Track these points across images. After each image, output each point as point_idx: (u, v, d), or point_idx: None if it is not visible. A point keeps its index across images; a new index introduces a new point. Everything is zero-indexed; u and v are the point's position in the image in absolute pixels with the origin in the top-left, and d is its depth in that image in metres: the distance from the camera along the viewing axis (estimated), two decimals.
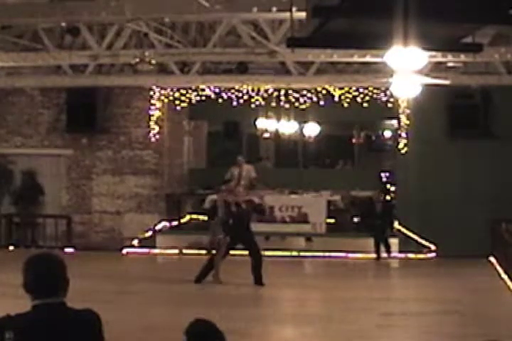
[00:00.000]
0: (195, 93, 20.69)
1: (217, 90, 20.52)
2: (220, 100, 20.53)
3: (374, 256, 19.06)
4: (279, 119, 23.68)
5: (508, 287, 15.23)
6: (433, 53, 13.94)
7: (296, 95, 20.58)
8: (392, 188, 21.01)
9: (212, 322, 4.85)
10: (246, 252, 15.67)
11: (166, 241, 20.12)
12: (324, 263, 18.93)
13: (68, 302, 4.22)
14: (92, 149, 21.10)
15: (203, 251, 16.48)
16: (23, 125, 21.29)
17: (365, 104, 19.97)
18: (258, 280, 15.28)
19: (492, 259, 18.39)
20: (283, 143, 25.30)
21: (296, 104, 20.78)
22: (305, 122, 23.85)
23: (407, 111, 19.88)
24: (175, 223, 20.94)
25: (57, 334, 4.12)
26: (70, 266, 4.28)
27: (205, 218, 19.60)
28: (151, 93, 20.73)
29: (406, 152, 19.95)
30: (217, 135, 24.38)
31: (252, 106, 20.77)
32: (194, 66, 18.85)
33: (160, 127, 20.88)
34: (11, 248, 20.39)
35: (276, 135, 24.69)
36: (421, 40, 6.20)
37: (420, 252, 19.46)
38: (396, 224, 19.88)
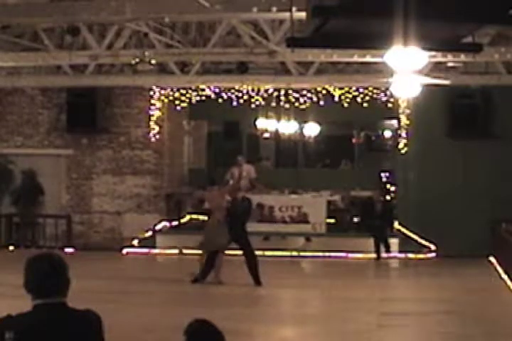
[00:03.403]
0: (195, 93, 20.69)
1: (217, 90, 20.52)
2: (220, 100, 20.53)
3: (374, 256, 19.06)
4: (279, 119, 23.67)
5: (508, 287, 15.23)
6: (433, 53, 13.93)
7: (296, 95, 20.57)
8: (392, 188, 21.00)
9: (211, 322, 4.85)
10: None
11: (166, 241, 20.12)
12: (324, 263, 18.93)
13: (68, 302, 4.22)
14: (92, 149, 21.11)
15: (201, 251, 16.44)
16: (23, 125, 21.30)
17: (365, 104, 19.96)
18: (257, 280, 15.26)
19: (492, 259, 18.39)
20: (283, 143, 25.29)
21: (296, 104, 20.77)
22: (305, 122, 23.85)
23: (407, 111, 19.88)
24: (175, 223, 20.94)
25: (57, 335, 4.12)
26: (70, 266, 4.28)
27: (206, 218, 19.55)
28: (151, 93, 20.73)
29: (406, 152, 19.95)
30: (217, 135, 24.37)
31: (252, 106, 20.76)
32: (194, 66, 18.85)
33: (160, 127, 20.89)
34: (11, 248, 20.40)
35: (276, 135, 24.69)
36: (421, 40, 6.20)
37: (420, 252, 19.46)
38: (396, 224, 19.88)
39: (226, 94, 20.56)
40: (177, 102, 20.97)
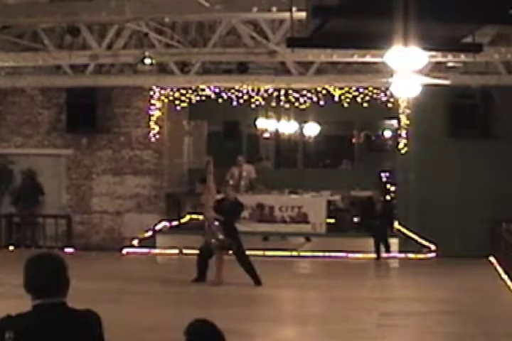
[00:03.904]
0: (195, 93, 20.68)
1: (217, 90, 20.51)
2: (220, 100, 20.52)
3: (374, 256, 19.06)
4: (279, 119, 23.67)
5: (508, 287, 15.23)
6: (433, 53, 13.94)
7: (296, 95, 20.56)
8: (392, 188, 21.00)
9: (212, 322, 4.85)
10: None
11: (166, 241, 20.11)
12: (324, 263, 18.92)
13: (68, 303, 4.22)
14: (92, 149, 21.10)
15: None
16: (23, 125, 21.29)
17: (365, 104, 19.95)
18: (256, 280, 15.24)
19: (492, 259, 18.39)
20: (283, 143, 25.28)
21: (296, 104, 20.76)
22: (305, 122, 23.84)
23: (407, 111, 19.87)
24: (175, 223, 20.94)
25: (57, 335, 4.12)
26: (70, 266, 4.28)
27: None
28: (151, 93, 20.72)
29: (406, 152, 19.94)
30: (217, 135, 24.37)
31: (252, 106, 20.76)
32: (194, 66, 18.85)
33: (160, 127, 20.88)
34: (11, 248, 20.39)
35: (277, 135, 24.68)
36: (421, 40, 6.20)
37: (420, 252, 19.45)
38: (396, 224, 19.88)
39: (226, 94, 20.56)
40: (177, 102, 20.96)
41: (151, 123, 20.76)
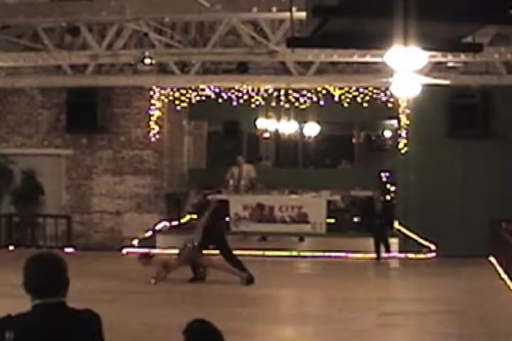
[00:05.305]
0: (195, 93, 20.69)
1: (217, 90, 20.52)
2: (220, 100, 20.53)
3: (374, 256, 19.06)
4: (279, 119, 23.67)
5: (508, 287, 15.23)
6: (433, 53, 13.94)
7: (296, 95, 20.57)
8: (392, 188, 21.00)
9: (210, 322, 4.86)
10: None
11: (166, 241, 20.10)
12: (324, 263, 18.92)
13: (68, 302, 4.22)
14: (92, 149, 21.10)
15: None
16: (23, 125, 21.30)
17: (365, 104, 19.96)
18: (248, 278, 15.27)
19: (492, 259, 18.39)
20: (283, 143, 25.31)
21: (296, 103, 20.77)
22: (305, 122, 23.85)
23: (407, 111, 19.87)
24: (175, 223, 20.94)
25: (57, 334, 4.12)
26: (70, 266, 4.28)
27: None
28: (151, 93, 20.73)
29: (406, 152, 19.94)
30: (217, 135, 24.38)
31: (252, 106, 20.76)
32: (194, 66, 18.85)
33: (160, 127, 20.88)
34: (11, 248, 20.39)
35: (276, 135, 24.70)
36: (421, 40, 6.21)
37: (420, 252, 19.45)
38: (396, 224, 19.88)
39: (226, 94, 20.56)
40: (177, 102, 20.97)
41: (151, 123, 20.76)
